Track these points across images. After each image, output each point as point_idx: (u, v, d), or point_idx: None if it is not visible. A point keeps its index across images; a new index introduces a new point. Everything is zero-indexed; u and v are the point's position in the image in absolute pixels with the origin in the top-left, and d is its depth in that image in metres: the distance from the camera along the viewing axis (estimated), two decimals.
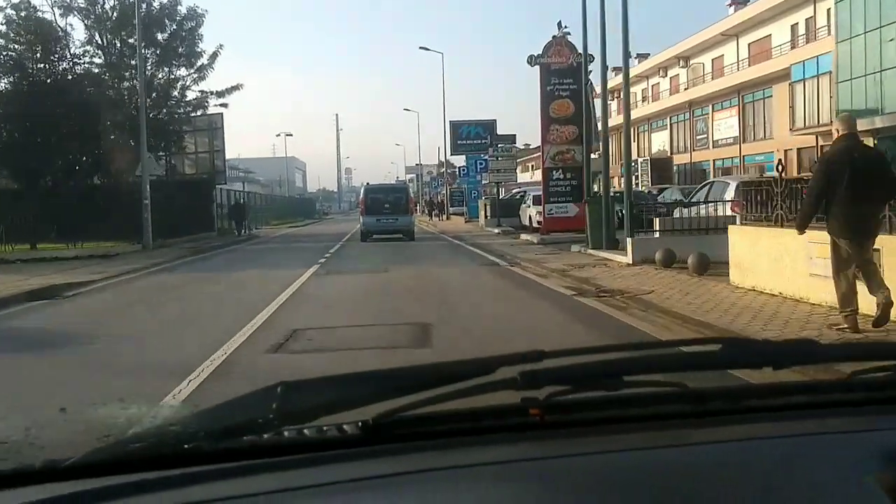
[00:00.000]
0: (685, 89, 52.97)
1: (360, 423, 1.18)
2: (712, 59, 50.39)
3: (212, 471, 1.10)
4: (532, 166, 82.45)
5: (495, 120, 52.21)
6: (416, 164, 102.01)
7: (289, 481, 1.08)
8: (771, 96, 42.65)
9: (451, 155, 53.04)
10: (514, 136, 34.51)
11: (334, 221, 69.17)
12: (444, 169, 64.78)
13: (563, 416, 1.25)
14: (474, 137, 51.34)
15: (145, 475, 1.09)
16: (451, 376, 1.19)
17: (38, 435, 1.30)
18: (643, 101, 61.46)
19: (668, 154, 54.90)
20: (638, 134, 62.12)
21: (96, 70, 32.46)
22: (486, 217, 34.82)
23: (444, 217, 56.24)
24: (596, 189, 20.68)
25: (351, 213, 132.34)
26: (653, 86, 60.33)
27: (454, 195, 60.00)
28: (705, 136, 50.37)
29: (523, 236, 25.66)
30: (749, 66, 44.38)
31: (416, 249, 23.61)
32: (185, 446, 1.14)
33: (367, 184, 33.66)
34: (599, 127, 19.79)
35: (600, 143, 19.93)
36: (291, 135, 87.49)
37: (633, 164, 52.32)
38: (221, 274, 17.09)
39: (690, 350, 1.44)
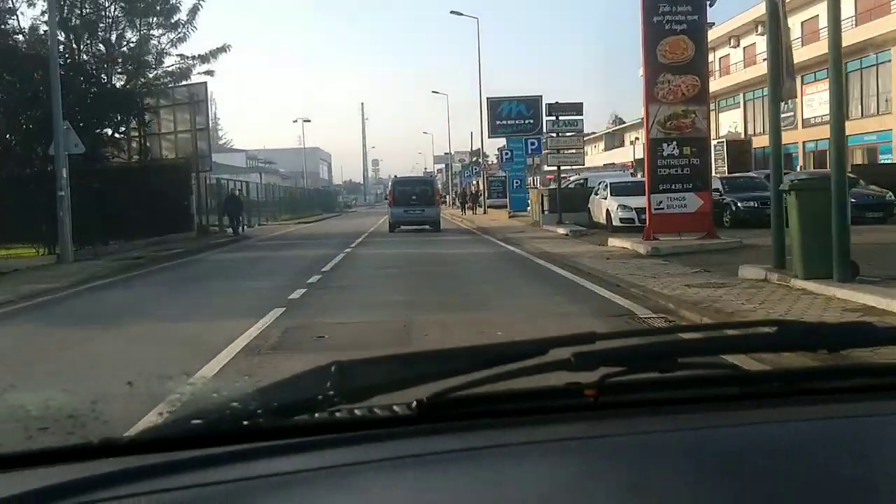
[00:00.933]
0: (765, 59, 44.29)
1: (414, 403, 1.17)
2: (802, 23, 41.48)
3: (270, 447, 1.11)
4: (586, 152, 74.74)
5: (541, 96, 43.70)
6: (446, 154, 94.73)
7: (345, 457, 1.08)
8: (889, 61, 33.90)
9: (490, 137, 44.63)
10: (581, 104, 25.94)
11: (355, 215, 60.97)
12: (477, 158, 56.25)
13: (617, 397, 1.23)
14: (516, 116, 42.85)
15: (206, 451, 1.09)
16: (504, 357, 1.18)
17: (104, 409, 1.32)
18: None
19: (742, 136, 46.11)
20: None
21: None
22: (541, 211, 26.30)
23: (482, 210, 47.89)
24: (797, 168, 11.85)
25: (377, 205, 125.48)
26: (720, 58, 51.50)
27: (492, 185, 51.75)
28: (791, 114, 41.47)
29: (613, 242, 17.03)
30: (856, 25, 35.51)
31: (457, 265, 15.24)
32: (245, 423, 1.13)
33: (395, 176, 34.47)
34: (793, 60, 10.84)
35: (797, 85, 11.16)
36: (309, 120, 79.63)
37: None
38: (74, 334, 8.50)
39: (745, 332, 1.42)
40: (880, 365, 1.42)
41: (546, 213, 26.16)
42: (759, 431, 1.14)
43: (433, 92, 71.98)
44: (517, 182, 41.89)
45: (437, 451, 1.09)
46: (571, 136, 25.83)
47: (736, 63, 48.92)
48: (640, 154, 40.91)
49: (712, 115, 53.19)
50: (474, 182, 55.00)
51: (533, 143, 39.03)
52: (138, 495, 0.98)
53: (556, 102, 25.43)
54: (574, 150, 26.07)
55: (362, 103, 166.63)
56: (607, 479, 1.02)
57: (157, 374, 1.95)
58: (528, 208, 35.62)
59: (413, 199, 28.79)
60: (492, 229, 26.38)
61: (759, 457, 1.04)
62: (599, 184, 24.85)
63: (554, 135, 25.51)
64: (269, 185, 58.72)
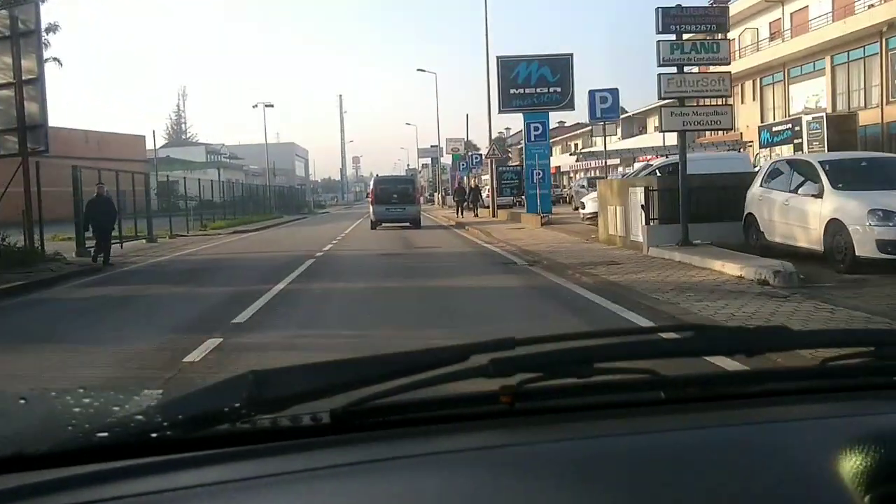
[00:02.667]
0: (870, 6, 32.01)
1: (330, 412, 1.14)
2: None
3: (176, 460, 1.06)
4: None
5: (571, 54, 31.13)
6: (433, 146, 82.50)
7: (257, 469, 1.04)
8: None
9: (501, 112, 31.77)
10: (726, 11, 13.33)
11: (325, 218, 48.01)
12: (491, 148, 43.59)
13: (534, 404, 1.22)
14: (538, 83, 30.31)
15: (110, 465, 1.05)
16: (423, 364, 1.16)
17: (2, 424, 1.28)
18: (769, 40, 40.48)
19: (826, 109, 33.82)
20: (761, 89, 41.14)
21: None
22: (644, 221, 13.54)
23: (488, 213, 35.23)
24: None
25: (356, 204, 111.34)
26: (792, 13, 39.15)
27: (504, 178, 39.18)
28: None
29: None
30: None
31: None
32: (152, 435, 1.09)
33: (377, 175, 36.03)
34: None
35: None
36: (272, 105, 66.24)
37: (789, 122, 31.04)
38: None
39: (663, 337, 1.42)
40: (796, 369, 1.44)
41: (652, 223, 13.46)
42: (676, 438, 1.12)
43: (419, 70, 59.09)
44: (538, 174, 29.26)
45: (351, 462, 1.06)
46: (716, 73, 12.94)
47: (818, 19, 36.55)
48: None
49: (774, 88, 41.54)
50: (471, 176, 42.21)
51: (605, 97, 27.19)
52: None
53: (679, 6, 12.58)
54: (719, 102, 13.29)
55: (340, 95, 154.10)
56: (518, 488, 0.98)
57: (52, 389, 1.55)
58: (583, 212, 23.16)
59: (394, 198, 29.10)
60: (556, 260, 13.59)
61: (675, 464, 1.02)
62: (779, 165, 12.20)
63: (674, 70, 12.58)
64: (220, 184, 45.86)
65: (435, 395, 1.17)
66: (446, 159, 69.76)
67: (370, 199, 30.89)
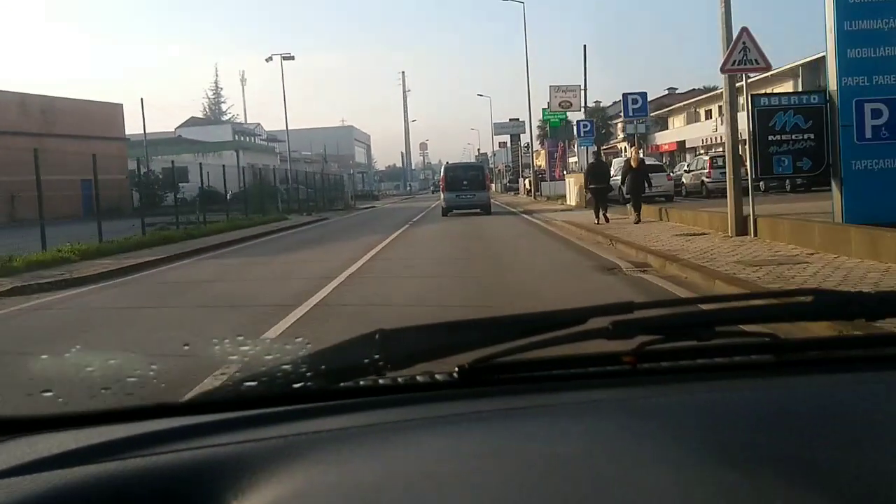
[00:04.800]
0: None
1: (457, 368, 1.16)
2: None
3: (317, 408, 1.11)
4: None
5: None
6: (511, 120, 63.13)
7: (391, 416, 1.08)
8: None
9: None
10: None
11: (342, 227, 28.32)
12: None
13: (655, 365, 1.21)
14: None
15: (257, 411, 1.10)
16: (544, 325, 1.17)
17: (162, 370, 1.33)
18: None
19: None
20: None
21: None
22: None
23: (633, 215, 15.60)
24: None
25: (421, 194, 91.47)
26: None
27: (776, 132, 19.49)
28: None
29: None
30: None
31: None
32: (294, 386, 1.13)
33: (447, 163, 35.04)
34: None
35: None
36: (292, 57, 47.60)
37: None
38: None
39: (781, 301, 1.40)
40: None
41: None
42: (795, 396, 1.11)
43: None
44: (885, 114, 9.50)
45: (477, 411, 1.08)
46: None
47: None
48: None
49: None
50: (633, 149, 21.32)
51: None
52: (193, 449, 0.99)
53: None
54: None
55: (402, 72, 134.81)
56: (643, 436, 0.97)
57: (212, 337, 1.68)
58: None
59: (464, 185, 28.56)
60: None
61: (794, 418, 1.01)
62: None
63: None
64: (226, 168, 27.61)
65: (556, 354, 1.16)
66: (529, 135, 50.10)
67: (441, 187, 30.37)
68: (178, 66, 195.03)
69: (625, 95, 21.37)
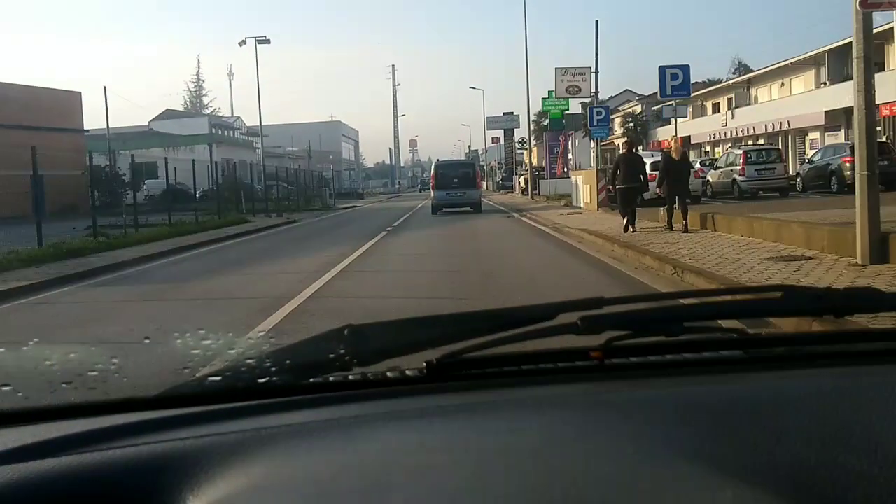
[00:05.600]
0: None
1: (426, 363, 1.15)
2: None
3: (282, 402, 1.09)
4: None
5: None
6: (505, 114, 59.05)
7: (353, 411, 1.07)
8: None
9: None
10: None
11: (304, 235, 23.53)
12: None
13: (623, 360, 1.21)
14: None
15: (221, 406, 1.09)
16: (513, 320, 1.16)
17: (123, 364, 1.32)
18: None
19: None
20: None
21: None
22: None
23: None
24: None
25: (409, 192, 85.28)
26: None
27: None
28: None
29: None
30: None
31: None
32: (259, 381, 1.13)
33: (438, 160, 34.79)
34: None
35: None
36: (268, 41, 42.96)
37: None
38: None
39: (750, 297, 1.39)
40: (881, 330, 1.39)
41: None
42: (761, 392, 1.10)
43: None
44: None
45: (440, 406, 1.07)
46: None
47: None
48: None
49: None
50: (673, 138, 16.49)
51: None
52: (152, 444, 0.98)
53: None
54: None
55: (393, 65, 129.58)
56: (609, 432, 0.97)
57: (174, 330, 1.45)
58: None
59: (455, 182, 27.57)
60: None
61: (763, 413, 1.00)
62: None
63: None
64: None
65: (524, 350, 1.15)
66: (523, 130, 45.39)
67: (431, 184, 29.14)
68: (162, 61, 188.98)
69: (662, 69, 17.26)
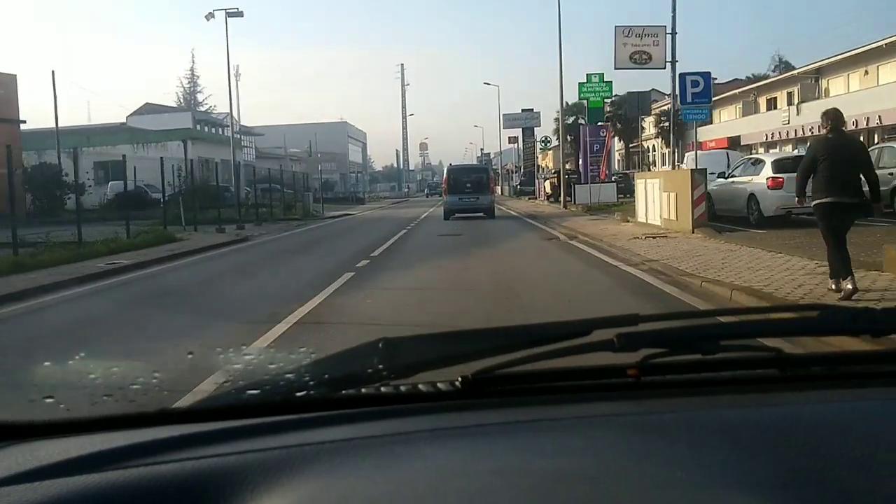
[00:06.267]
0: None
1: (460, 378, 1.14)
2: None
3: (320, 417, 1.10)
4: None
5: None
6: (524, 111, 52.05)
7: (392, 427, 1.06)
8: None
9: None
10: None
11: (256, 263, 16.23)
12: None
13: (659, 378, 1.20)
14: None
15: (259, 420, 1.08)
16: (548, 336, 1.15)
17: (165, 378, 1.26)
18: None
19: None
20: None
21: None
22: None
23: None
24: None
25: (416, 198, 75.01)
26: None
27: None
28: None
29: None
30: None
31: None
32: (297, 394, 1.13)
33: (450, 164, 33.11)
34: None
35: None
36: (241, 13, 36.40)
37: None
38: None
39: (787, 316, 1.39)
40: None
41: None
42: (800, 411, 1.09)
43: None
44: None
45: (481, 424, 1.06)
46: None
47: None
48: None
49: None
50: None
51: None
52: (195, 459, 0.98)
53: None
54: None
55: (402, 64, 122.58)
56: (647, 453, 0.97)
57: (216, 346, 1.76)
58: None
59: (468, 187, 26.62)
60: None
61: (799, 434, 0.99)
62: None
63: None
64: None
65: (560, 366, 1.14)
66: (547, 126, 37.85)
67: (444, 189, 28.06)
68: (162, 59, 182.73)
69: (682, 76, 15.65)
